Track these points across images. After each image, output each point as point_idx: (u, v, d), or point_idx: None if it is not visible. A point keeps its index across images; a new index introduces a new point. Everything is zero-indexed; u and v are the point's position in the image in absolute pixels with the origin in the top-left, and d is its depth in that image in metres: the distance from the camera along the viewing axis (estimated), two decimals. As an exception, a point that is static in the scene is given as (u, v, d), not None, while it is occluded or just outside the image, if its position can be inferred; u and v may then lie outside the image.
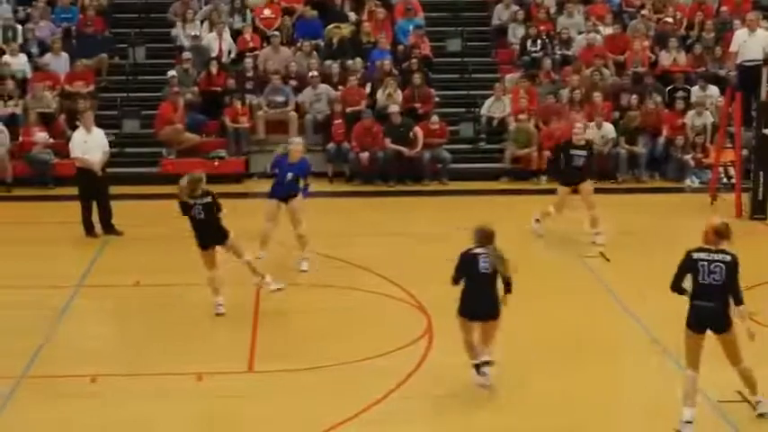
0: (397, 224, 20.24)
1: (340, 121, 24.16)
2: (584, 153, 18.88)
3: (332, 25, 26.52)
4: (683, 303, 11.43)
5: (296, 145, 17.05)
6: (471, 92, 26.16)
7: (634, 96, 24.93)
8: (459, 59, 27.14)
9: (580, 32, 27.02)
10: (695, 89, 25.39)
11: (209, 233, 14.64)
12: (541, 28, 26.78)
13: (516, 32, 27.04)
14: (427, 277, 16.65)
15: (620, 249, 18.70)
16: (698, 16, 27.23)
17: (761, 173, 20.45)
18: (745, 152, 21.69)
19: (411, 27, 26.62)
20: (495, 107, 25.14)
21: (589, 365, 13.25)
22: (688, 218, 22.05)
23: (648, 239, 19.29)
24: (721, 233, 11.21)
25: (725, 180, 22.88)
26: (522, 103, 24.62)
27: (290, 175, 16.75)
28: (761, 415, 11.50)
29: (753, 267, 15.44)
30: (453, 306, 12.06)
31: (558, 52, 26.58)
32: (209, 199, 14.58)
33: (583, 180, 18.85)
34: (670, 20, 27.00)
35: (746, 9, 26.39)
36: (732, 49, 21.93)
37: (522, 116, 24.30)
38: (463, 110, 25.91)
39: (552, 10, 27.70)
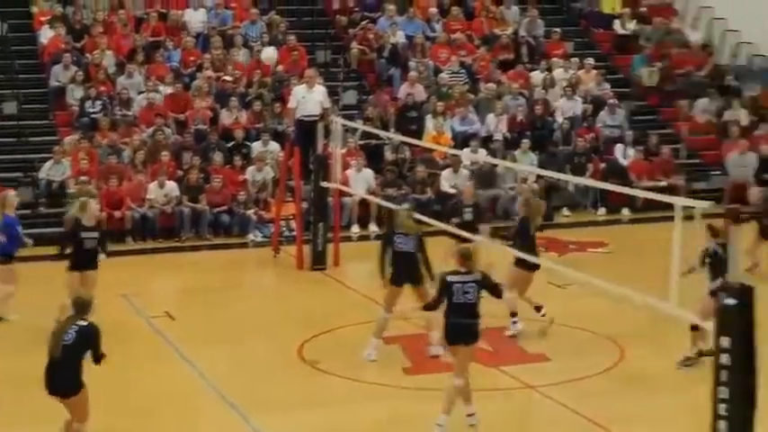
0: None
1: None
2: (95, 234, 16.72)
3: None
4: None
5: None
6: (29, 155, 25.34)
7: (196, 157, 24.91)
8: (15, 123, 26.24)
9: (140, 92, 26.80)
10: (256, 145, 25.70)
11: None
12: (101, 89, 26.36)
13: (75, 94, 26.43)
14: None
15: (184, 307, 18.68)
16: (256, 74, 27.60)
17: (320, 224, 20.87)
18: (305, 205, 22.06)
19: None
20: (54, 170, 24.43)
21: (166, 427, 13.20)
22: (251, 272, 22.44)
23: (212, 295, 19.33)
24: (466, 256, 12.34)
25: (287, 233, 23.18)
26: (82, 165, 24.10)
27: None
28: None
29: (316, 316, 15.76)
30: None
31: (119, 113, 26.24)
32: None
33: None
34: (229, 78, 27.24)
35: (303, 66, 27.08)
36: (290, 105, 22.38)
37: (83, 178, 23.76)
38: (21, 174, 25.03)
39: (112, 70, 27.32)
